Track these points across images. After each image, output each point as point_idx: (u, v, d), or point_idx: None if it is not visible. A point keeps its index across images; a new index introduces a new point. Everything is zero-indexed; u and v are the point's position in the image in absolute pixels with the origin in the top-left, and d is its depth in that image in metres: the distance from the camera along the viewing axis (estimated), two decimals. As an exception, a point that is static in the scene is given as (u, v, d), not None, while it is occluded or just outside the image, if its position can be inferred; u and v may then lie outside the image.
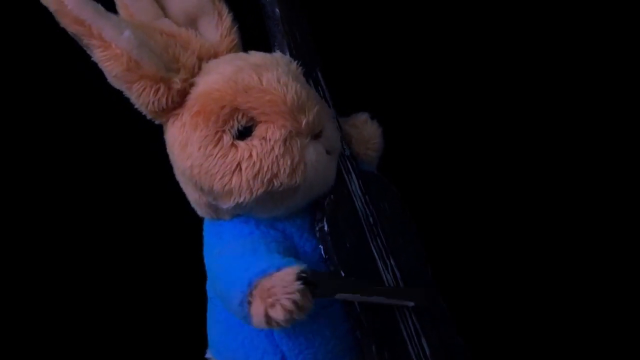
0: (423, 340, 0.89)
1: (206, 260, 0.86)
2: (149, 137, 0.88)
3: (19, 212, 1.19)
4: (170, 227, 1.14)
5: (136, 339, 1.19)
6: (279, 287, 0.71)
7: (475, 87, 1.21)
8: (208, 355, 0.92)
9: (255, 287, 0.72)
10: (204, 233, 0.89)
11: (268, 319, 0.71)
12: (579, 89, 1.20)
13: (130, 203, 1.20)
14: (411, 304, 0.87)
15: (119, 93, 0.81)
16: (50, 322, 1.20)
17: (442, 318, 0.93)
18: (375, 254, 0.89)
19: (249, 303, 0.72)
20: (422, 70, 1.19)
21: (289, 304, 0.70)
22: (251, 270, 0.74)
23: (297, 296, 0.71)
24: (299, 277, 0.72)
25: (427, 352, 0.89)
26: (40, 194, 1.19)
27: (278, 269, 0.73)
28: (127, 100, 0.81)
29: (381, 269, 0.89)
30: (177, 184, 0.86)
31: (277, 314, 0.70)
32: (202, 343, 0.93)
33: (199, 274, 0.89)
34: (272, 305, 0.70)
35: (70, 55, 0.86)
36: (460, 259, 1.20)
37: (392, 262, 0.90)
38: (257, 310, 0.72)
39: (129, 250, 1.20)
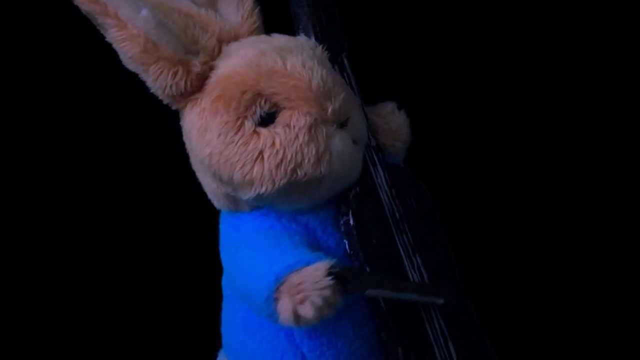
0: (450, 344, 0.86)
1: (222, 256, 0.83)
2: (162, 124, 0.86)
3: (27, 209, 1.18)
4: (184, 219, 1.12)
5: (146, 338, 1.18)
6: (309, 283, 0.69)
7: (509, 75, 1.19)
8: (221, 357, 0.90)
9: (282, 283, 0.70)
10: (221, 226, 0.85)
11: (296, 316, 0.69)
12: (595, 88, 1.19)
13: (142, 195, 1.18)
14: (440, 301, 0.84)
15: (129, 80, 0.79)
16: (57, 321, 1.18)
17: (470, 321, 0.89)
18: (402, 251, 0.85)
19: (276, 300, 0.70)
20: (452, 58, 1.17)
21: (319, 301, 0.68)
22: (278, 264, 0.71)
23: (328, 292, 0.69)
24: (329, 273, 0.70)
25: (454, 357, 0.86)
26: (47, 188, 1.18)
27: (307, 264, 0.71)
28: (137, 86, 0.79)
29: (407, 266, 0.85)
30: (192, 173, 0.84)
31: (307, 311, 0.69)
32: (214, 343, 0.92)
33: (214, 271, 0.86)
34: (302, 302, 0.69)
35: (78, 42, 0.84)
36: (488, 260, 1.18)
37: (418, 260, 0.86)
38: (285, 307, 0.70)
39: (139, 246, 1.18)
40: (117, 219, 1.19)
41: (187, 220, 1.08)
